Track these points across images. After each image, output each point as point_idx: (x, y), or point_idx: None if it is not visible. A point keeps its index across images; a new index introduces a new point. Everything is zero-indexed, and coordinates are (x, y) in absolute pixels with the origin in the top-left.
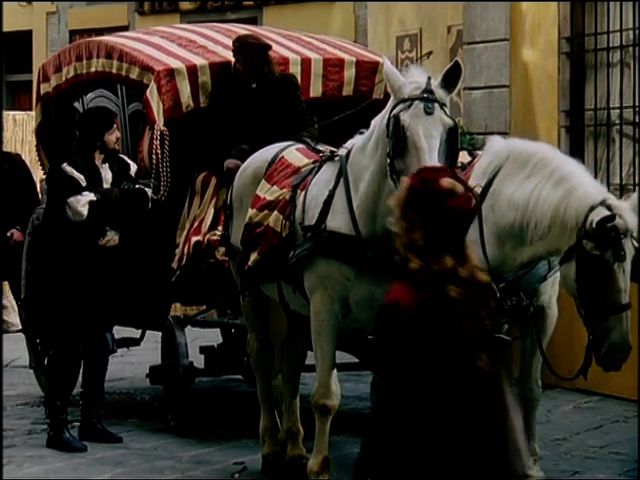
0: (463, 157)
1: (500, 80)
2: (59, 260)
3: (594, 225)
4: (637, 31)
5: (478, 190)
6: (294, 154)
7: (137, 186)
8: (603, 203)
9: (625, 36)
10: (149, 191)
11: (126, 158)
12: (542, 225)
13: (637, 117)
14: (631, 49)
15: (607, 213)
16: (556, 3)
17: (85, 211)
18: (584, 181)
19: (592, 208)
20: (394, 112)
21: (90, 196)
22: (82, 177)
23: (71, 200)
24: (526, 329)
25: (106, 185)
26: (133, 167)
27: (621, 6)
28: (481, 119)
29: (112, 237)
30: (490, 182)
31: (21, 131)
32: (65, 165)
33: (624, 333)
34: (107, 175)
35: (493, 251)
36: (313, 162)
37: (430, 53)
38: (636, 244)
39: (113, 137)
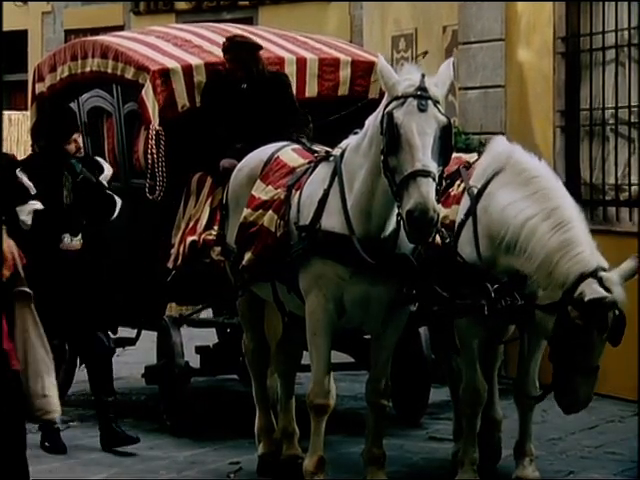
0: (471, 157)
1: (495, 80)
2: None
3: (584, 300)
4: (632, 31)
5: (474, 191)
6: (289, 154)
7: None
8: (594, 275)
9: (620, 36)
10: (118, 200)
11: (102, 161)
12: (530, 262)
13: (632, 117)
14: (626, 49)
15: (598, 290)
16: (551, 3)
17: (29, 220)
18: (580, 236)
19: (582, 276)
20: (388, 109)
21: (35, 205)
22: (31, 185)
23: (17, 209)
24: (524, 330)
25: (66, 192)
26: (107, 171)
27: (616, 6)
28: (476, 119)
29: (72, 242)
30: (487, 184)
31: (16, 131)
32: (18, 170)
33: (589, 391)
34: (67, 184)
35: (485, 252)
36: (308, 162)
37: (426, 53)
38: (617, 312)
39: (72, 147)
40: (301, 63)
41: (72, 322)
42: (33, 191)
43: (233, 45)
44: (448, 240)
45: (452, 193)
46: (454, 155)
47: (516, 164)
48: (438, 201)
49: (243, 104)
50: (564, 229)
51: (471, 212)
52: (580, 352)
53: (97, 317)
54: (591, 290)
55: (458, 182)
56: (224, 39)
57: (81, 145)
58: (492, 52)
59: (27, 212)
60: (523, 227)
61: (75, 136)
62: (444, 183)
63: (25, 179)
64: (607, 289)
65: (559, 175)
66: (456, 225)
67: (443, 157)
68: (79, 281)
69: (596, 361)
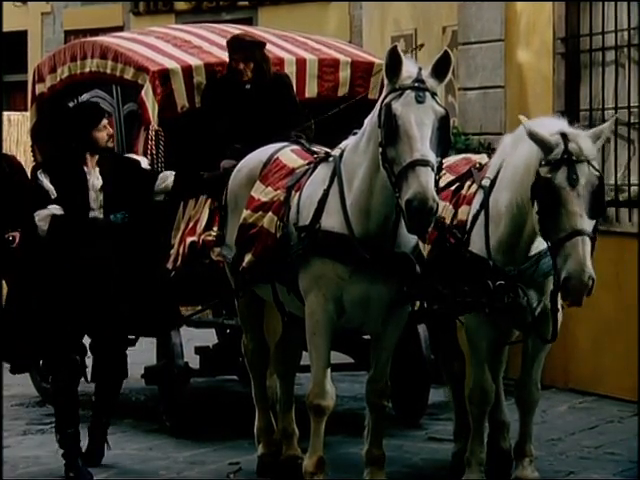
0: (482, 158)
1: (495, 81)
2: (35, 273)
3: (548, 148)
4: (632, 31)
5: (486, 183)
6: (289, 155)
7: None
8: (559, 132)
9: (620, 36)
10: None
11: (141, 158)
12: (517, 178)
13: (631, 118)
14: (626, 49)
15: (559, 138)
16: (551, 3)
17: (45, 226)
18: (551, 122)
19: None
20: (385, 101)
21: (54, 210)
22: (52, 188)
23: (36, 214)
24: (528, 332)
25: (93, 193)
26: (144, 163)
27: (616, 6)
28: (476, 120)
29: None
30: (497, 176)
31: (16, 131)
32: (39, 172)
33: (580, 260)
34: (96, 182)
35: (497, 244)
36: (307, 163)
37: (422, 46)
38: (595, 172)
39: (104, 134)
40: (301, 64)
41: (89, 331)
42: (53, 195)
43: (244, 44)
44: (446, 226)
45: (462, 194)
46: (463, 156)
47: (513, 138)
48: (437, 192)
49: (246, 105)
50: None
51: (484, 205)
52: (559, 212)
53: (125, 327)
54: (555, 141)
55: (468, 183)
56: (226, 39)
57: (111, 132)
58: (492, 53)
59: (42, 217)
60: (514, 163)
61: (104, 122)
62: (455, 184)
63: (46, 182)
64: (572, 141)
65: None
66: (470, 219)
67: (441, 148)
68: (100, 288)
69: (579, 223)
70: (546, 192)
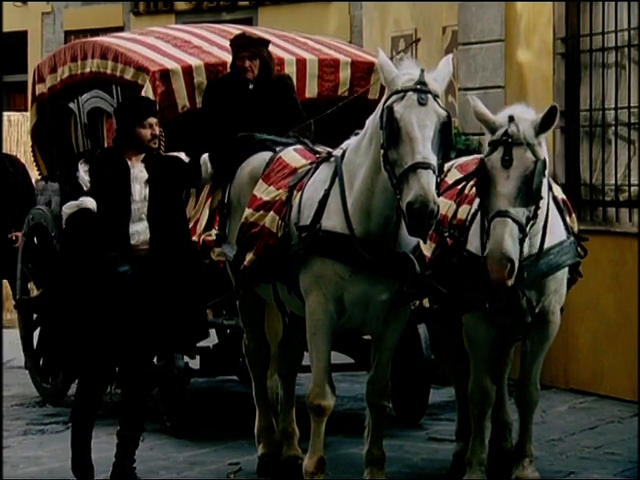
0: None
1: (495, 81)
2: (71, 271)
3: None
4: (632, 32)
5: None
6: (292, 154)
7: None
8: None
9: (620, 37)
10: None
11: (179, 153)
12: None
13: (632, 118)
14: (626, 50)
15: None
16: (551, 4)
17: (67, 211)
18: (515, 108)
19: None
20: (387, 103)
21: (87, 202)
22: (87, 180)
23: (65, 205)
24: (528, 333)
25: (137, 185)
26: (183, 156)
27: (616, 7)
28: (476, 120)
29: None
30: None
31: (16, 132)
32: (80, 162)
33: (497, 240)
34: (140, 175)
35: None
36: (310, 163)
37: (418, 40)
38: (532, 157)
39: (147, 132)
40: (301, 64)
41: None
42: (86, 186)
43: (251, 41)
44: (447, 234)
45: (465, 193)
46: (475, 156)
47: None
48: (438, 194)
49: (249, 104)
50: None
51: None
52: (490, 193)
53: (148, 341)
54: (500, 123)
55: (472, 183)
56: (226, 40)
57: (158, 133)
58: (492, 53)
59: (71, 205)
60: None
61: (151, 121)
62: (461, 183)
63: (82, 172)
64: (514, 124)
65: (559, 176)
66: (469, 218)
67: (443, 150)
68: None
69: (502, 205)
70: (482, 173)
